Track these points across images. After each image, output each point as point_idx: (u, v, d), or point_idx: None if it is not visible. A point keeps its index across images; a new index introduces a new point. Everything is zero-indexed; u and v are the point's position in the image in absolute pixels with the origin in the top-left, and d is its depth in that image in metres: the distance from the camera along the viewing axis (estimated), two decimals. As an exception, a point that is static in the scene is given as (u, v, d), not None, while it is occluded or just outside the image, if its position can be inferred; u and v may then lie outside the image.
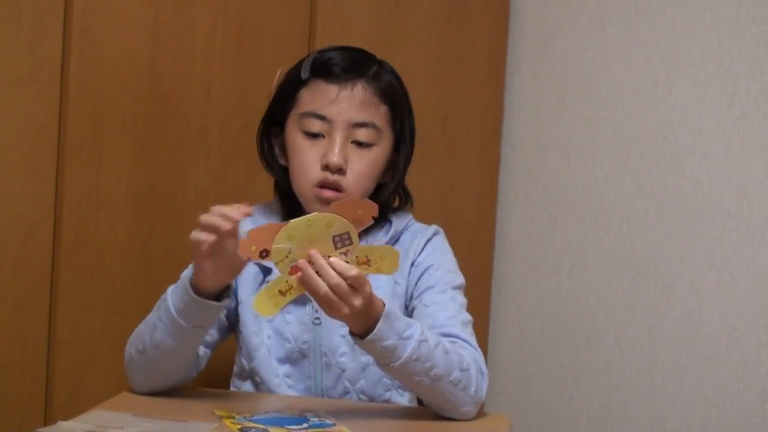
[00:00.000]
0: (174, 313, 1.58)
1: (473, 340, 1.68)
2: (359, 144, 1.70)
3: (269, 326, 1.75)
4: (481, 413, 1.66)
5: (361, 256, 1.50)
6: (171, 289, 1.61)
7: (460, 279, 1.76)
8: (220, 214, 1.52)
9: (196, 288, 1.57)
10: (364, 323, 1.53)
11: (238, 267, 1.56)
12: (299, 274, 1.48)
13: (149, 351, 1.62)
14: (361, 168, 1.69)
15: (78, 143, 2.01)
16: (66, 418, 1.49)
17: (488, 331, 2.52)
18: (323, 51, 1.75)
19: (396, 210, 1.81)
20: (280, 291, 1.51)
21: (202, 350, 1.72)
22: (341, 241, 1.48)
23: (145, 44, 2.07)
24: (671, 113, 2.39)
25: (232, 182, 2.16)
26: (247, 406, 1.61)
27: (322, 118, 1.69)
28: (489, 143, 2.48)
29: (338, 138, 1.68)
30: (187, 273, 1.63)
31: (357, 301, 1.49)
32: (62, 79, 2.00)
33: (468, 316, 1.72)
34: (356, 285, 1.48)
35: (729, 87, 2.34)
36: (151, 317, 1.63)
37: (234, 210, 1.52)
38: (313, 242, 1.48)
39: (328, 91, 1.69)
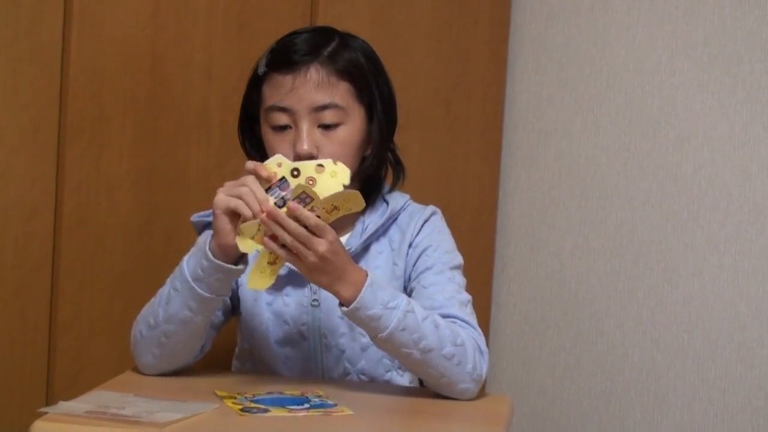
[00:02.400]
0: (191, 281, 1.59)
1: (472, 320, 1.68)
2: (326, 126, 1.69)
3: (268, 309, 1.75)
4: (482, 394, 1.66)
5: (328, 206, 1.55)
6: (186, 258, 1.61)
7: (458, 259, 1.76)
8: (257, 199, 1.54)
9: (215, 253, 1.58)
10: (343, 283, 1.55)
11: None
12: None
13: (162, 325, 1.62)
14: (333, 150, 1.67)
15: (79, 125, 2.01)
16: (67, 398, 1.49)
17: (490, 313, 2.51)
18: (279, 40, 1.74)
19: (392, 191, 1.81)
20: (268, 262, 1.56)
21: (209, 331, 1.72)
22: (303, 202, 1.54)
23: (145, 26, 2.07)
24: (674, 95, 2.38)
25: (233, 164, 2.15)
26: (248, 387, 1.61)
27: (283, 110, 1.68)
28: (491, 125, 2.47)
29: (303, 126, 1.67)
30: (203, 239, 1.62)
31: (321, 246, 1.52)
32: (63, 60, 1.99)
33: (467, 296, 1.72)
34: (318, 232, 1.53)
35: (732, 68, 2.33)
36: (164, 290, 1.63)
37: (264, 202, 1.55)
38: None
39: (283, 82, 1.68)
